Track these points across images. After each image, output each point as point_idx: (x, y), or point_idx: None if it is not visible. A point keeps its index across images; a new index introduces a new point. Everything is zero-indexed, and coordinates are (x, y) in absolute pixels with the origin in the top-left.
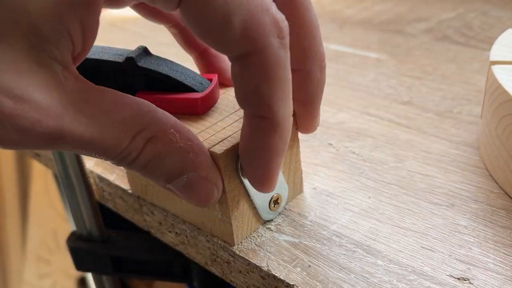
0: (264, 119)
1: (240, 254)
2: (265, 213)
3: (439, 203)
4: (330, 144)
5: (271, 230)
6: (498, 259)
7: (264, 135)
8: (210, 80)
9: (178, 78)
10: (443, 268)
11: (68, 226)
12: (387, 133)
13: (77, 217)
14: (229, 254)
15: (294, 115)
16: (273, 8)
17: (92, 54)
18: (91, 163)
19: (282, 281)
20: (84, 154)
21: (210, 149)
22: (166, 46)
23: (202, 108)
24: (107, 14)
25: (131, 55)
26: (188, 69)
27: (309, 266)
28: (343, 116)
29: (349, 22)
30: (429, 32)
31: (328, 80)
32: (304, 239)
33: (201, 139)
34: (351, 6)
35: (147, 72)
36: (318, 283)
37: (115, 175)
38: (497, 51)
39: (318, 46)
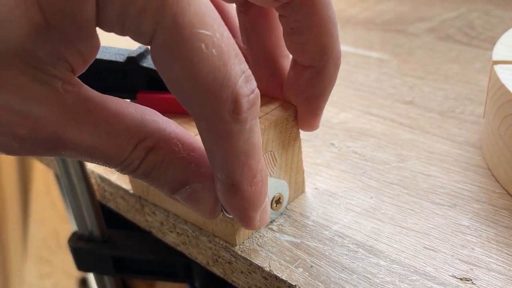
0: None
1: (242, 255)
2: None
3: (441, 203)
4: (332, 144)
5: (273, 230)
6: (501, 259)
7: (228, 196)
8: None
9: None
10: (446, 269)
11: (69, 226)
12: (390, 133)
13: (78, 217)
14: (231, 255)
15: (296, 112)
16: (239, 82)
17: None
18: (92, 163)
19: (284, 282)
20: (88, 161)
21: None
22: None
23: None
24: None
25: (132, 55)
26: None
27: (311, 266)
28: (345, 116)
29: (351, 21)
30: (432, 32)
31: None
32: (306, 239)
33: None
34: (354, 5)
35: (148, 72)
36: (320, 284)
37: (117, 175)
38: (499, 51)
39: (334, 44)
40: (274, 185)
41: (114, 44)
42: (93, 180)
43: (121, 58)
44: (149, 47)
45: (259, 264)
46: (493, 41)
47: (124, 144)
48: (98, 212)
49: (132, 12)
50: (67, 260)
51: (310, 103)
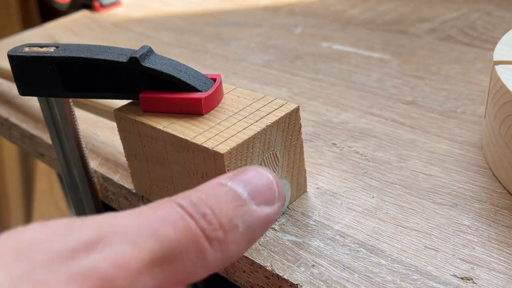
0: None
1: (244, 254)
2: None
3: (442, 203)
4: (334, 144)
5: (275, 229)
6: (502, 258)
7: None
8: (214, 80)
9: (182, 78)
10: (447, 268)
11: None
12: (391, 133)
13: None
14: None
15: (298, 112)
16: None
17: (96, 54)
18: (95, 163)
19: (286, 281)
20: None
21: (214, 149)
22: (170, 46)
23: (206, 108)
24: (111, 14)
25: (135, 55)
26: (192, 69)
27: (313, 265)
28: (347, 116)
29: (353, 22)
30: (433, 32)
31: (332, 80)
32: (308, 238)
33: (204, 139)
34: (355, 6)
35: (151, 72)
36: (321, 283)
37: (119, 175)
38: (500, 51)
39: None
40: None
41: (118, 44)
42: (96, 180)
43: (123, 58)
44: (151, 47)
45: (261, 264)
46: (494, 41)
47: None
48: (101, 211)
49: None
50: None
51: None
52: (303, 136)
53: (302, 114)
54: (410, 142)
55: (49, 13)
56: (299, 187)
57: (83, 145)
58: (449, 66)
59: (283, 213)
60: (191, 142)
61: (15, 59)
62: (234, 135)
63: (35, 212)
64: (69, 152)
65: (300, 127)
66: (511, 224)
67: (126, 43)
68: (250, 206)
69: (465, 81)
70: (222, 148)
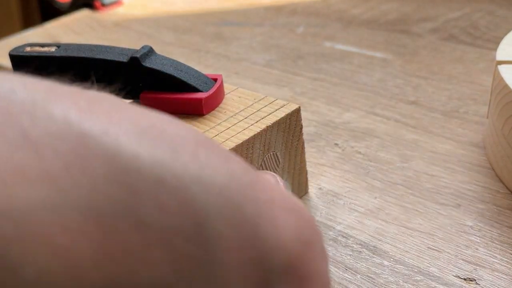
0: None
1: None
2: None
3: (445, 203)
4: (336, 144)
5: None
6: (505, 259)
7: None
8: (215, 80)
9: (182, 78)
10: (450, 269)
11: None
12: (393, 133)
13: None
14: None
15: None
16: None
17: (97, 54)
18: None
19: None
20: None
21: None
22: (171, 46)
23: (206, 108)
24: (112, 14)
25: (135, 55)
26: (193, 69)
27: None
28: (349, 116)
29: (355, 21)
30: (435, 32)
31: (334, 80)
32: None
33: None
34: (357, 5)
35: (152, 72)
36: None
37: None
38: (503, 51)
39: None
40: None
41: (119, 44)
42: None
43: (124, 58)
44: (152, 47)
45: None
46: (497, 41)
47: None
48: None
49: None
50: None
51: None
52: (305, 136)
53: (304, 114)
54: (412, 142)
55: (50, 12)
56: (301, 188)
57: None
58: (451, 66)
59: None
60: None
61: (17, 59)
62: (234, 135)
63: None
64: None
65: (301, 128)
66: None
67: (127, 43)
68: None
69: (468, 81)
70: None
